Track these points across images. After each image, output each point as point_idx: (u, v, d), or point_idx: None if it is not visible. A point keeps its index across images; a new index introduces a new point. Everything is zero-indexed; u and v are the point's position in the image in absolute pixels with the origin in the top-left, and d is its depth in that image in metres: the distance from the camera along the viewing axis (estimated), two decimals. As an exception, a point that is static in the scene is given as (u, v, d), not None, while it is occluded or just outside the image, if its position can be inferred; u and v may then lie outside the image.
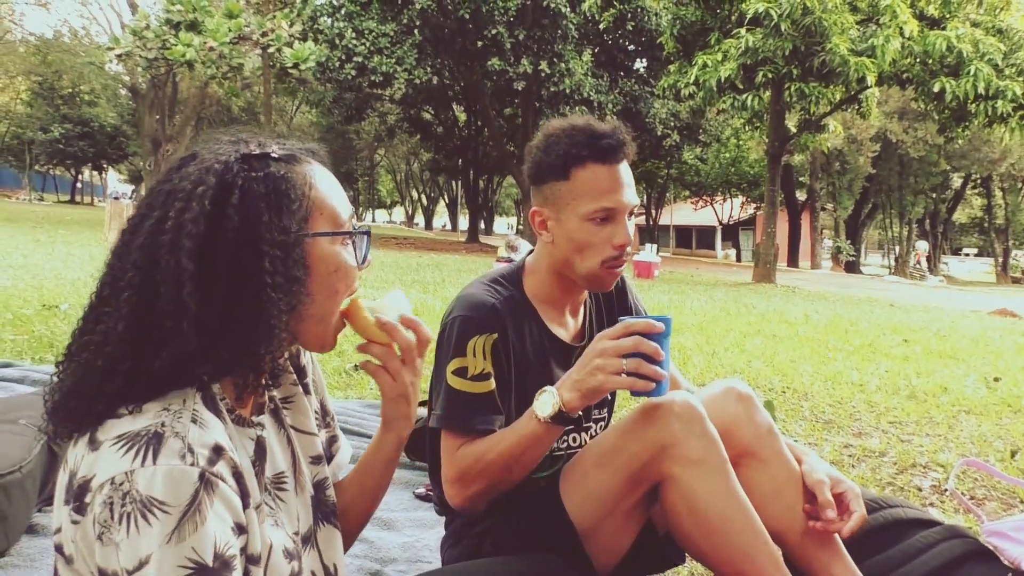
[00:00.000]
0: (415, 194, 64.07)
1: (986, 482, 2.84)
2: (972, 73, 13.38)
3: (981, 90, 13.43)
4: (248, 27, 17.53)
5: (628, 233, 1.56)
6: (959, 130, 15.65)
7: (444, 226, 64.53)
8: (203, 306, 0.88)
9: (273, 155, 0.99)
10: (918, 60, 14.05)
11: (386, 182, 66.37)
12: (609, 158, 1.53)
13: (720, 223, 43.29)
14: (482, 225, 37.50)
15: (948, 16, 14.44)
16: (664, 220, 44.44)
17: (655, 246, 18.16)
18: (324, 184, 1.02)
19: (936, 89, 13.77)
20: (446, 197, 58.64)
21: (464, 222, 44.19)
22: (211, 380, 0.93)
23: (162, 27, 17.53)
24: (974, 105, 14.02)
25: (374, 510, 1.27)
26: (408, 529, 2.09)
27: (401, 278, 10.72)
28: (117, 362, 0.87)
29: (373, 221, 65.11)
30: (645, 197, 40.57)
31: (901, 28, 13.30)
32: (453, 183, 49.50)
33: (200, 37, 17.09)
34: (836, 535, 1.65)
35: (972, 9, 14.58)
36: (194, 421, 0.87)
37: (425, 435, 1.67)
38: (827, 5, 13.00)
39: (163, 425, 0.84)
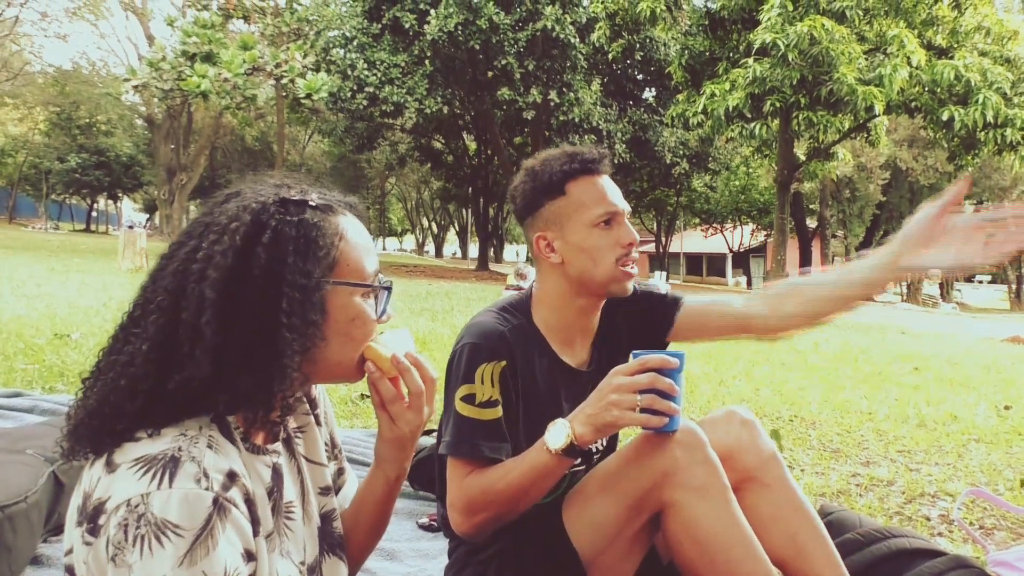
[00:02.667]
0: (425, 222, 64.41)
1: (995, 511, 2.82)
2: (980, 102, 13.45)
3: (990, 118, 13.48)
4: (262, 58, 17.81)
5: (632, 232, 1.62)
6: (968, 158, 15.66)
7: (454, 254, 64.75)
8: (219, 335, 0.90)
9: (311, 203, 1.02)
10: (926, 89, 14.13)
11: (397, 210, 66.75)
12: (597, 169, 1.63)
13: (730, 250, 43.25)
14: (492, 253, 37.59)
15: (956, 46, 14.54)
16: (674, 248, 44.45)
17: (665, 273, 18.18)
18: (355, 237, 1.05)
19: (945, 117, 13.83)
20: (456, 225, 58.90)
21: (474, 250, 44.31)
22: (226, 411, 0.96)
23: (178, 58, 17.83)
24: (983, 133, 14.06)
25: (373, 545, 1.27)
26: (411, 559, 2.09)
27: (410, 306, 10.75)
28: (139, 382, 0.90)
29: (384, 249, 65.39)
30: (655, 224, 40.60)
31: (909, 58, 13.40)
32: (463, 211, 49.72)
33: (215, 68, 17.37)
34: (840, 562, 1.65)
35: (980, 39, 14.68)
36: (210, 447, 0.89)
37: (433, 463, 1.69)
38: (834, 35, 13.11)
39: (180, 449, 0.86)
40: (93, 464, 0.89)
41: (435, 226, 62.70)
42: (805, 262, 35.13)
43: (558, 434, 1.44)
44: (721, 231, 41.23)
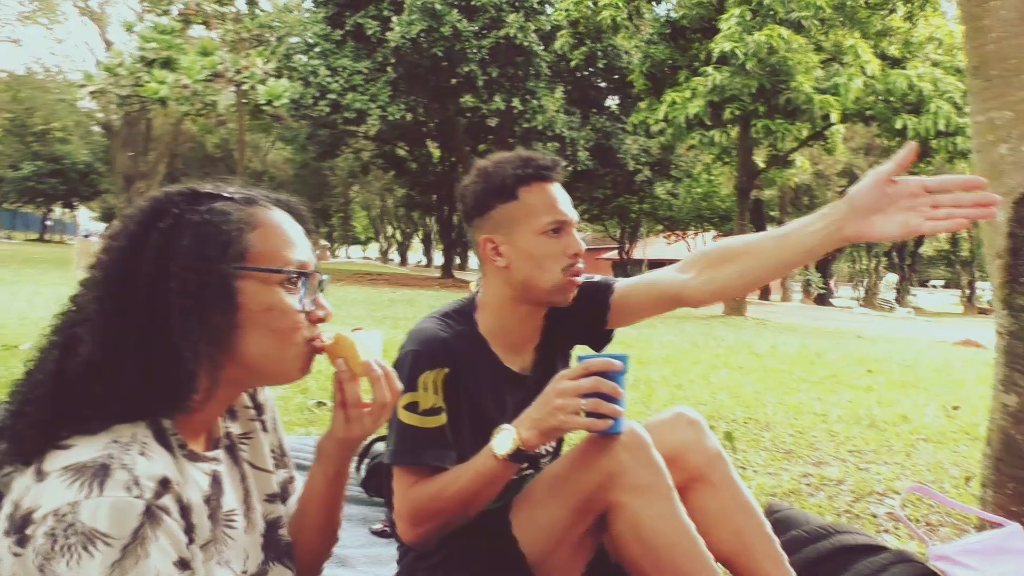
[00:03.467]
0: (390, 230, 64.11)
1: (940, 509, 2.89)
2: (933, 111, 13.78)
3: (942, 127, 13.82)
4: (222, 64, 17.64)
5: (580, 243, 1.62)
6: (922, 165, 16.05)
7: (419, 262, 64.48)
8: (106, 315, 0.90)
9: (224, 195, 1.00)
10: (881, 98, 14.43)
11: (361, 218, 66.32)
12: (550, 176, 1.62)
13: (693, 257, 43.61)
14: (457, 260, 37.54)
15: (909, 56, 14.94)
16: (638, 255, 44.74)
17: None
18: (274, 227, 1.02)
19: (899, 126, 14.14)
20: (421, 233, 58.77)
21: (439, 258, 44.23)
22: (157, 413, 0.94)
23: (136, 64, 17.60)
24: (935, 142, 14.41)
25: (327, 550, 1.24)
26: (364, 566, 2.09)
27: (372, 313, 10.70)
28: (66, 386, 0.89)
29: (348, 258, 64.98)
30: (619, 231, 40.86)
31: (864, 67, 13.72)
32: (428, 219, 49.63)
33: (174, 74, 17.16)
34: (784, 559, 1.69)
35: (932, 49, 15.08)
36: (143, 453, 0.87)
37: (384, 469, 1.68)
38: (792, 45, 13.37)
39: (111, 456, 0.84)
40: (24, 473, 0.87)
41: (400, 234, 62.47)
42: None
43: (504, 440, 1.45)
44: (684, 238, 41.61)
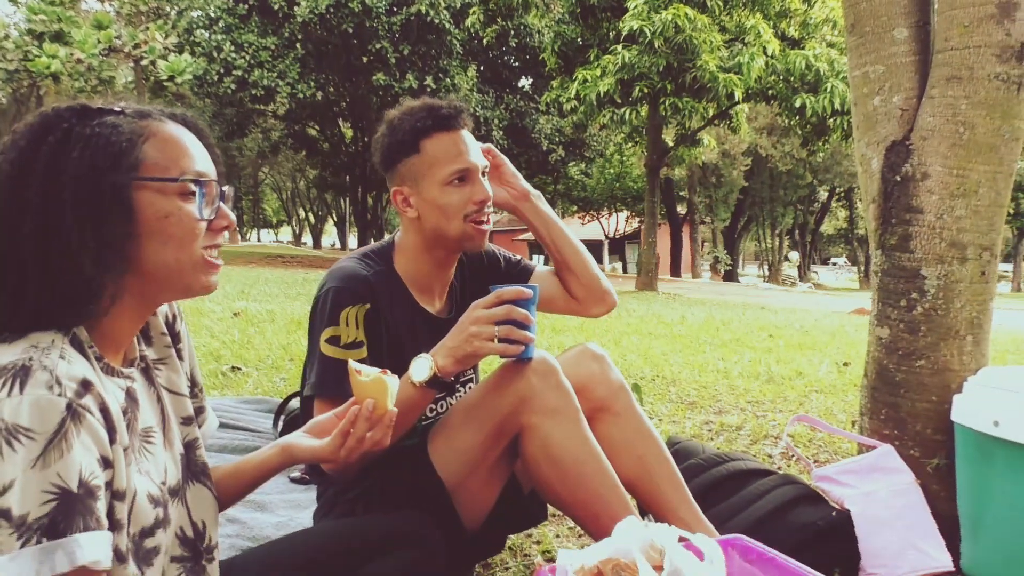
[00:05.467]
0: (302, 212, 62.62)
1: (828, 447, 3.12)
2: (829, 90, 14.40)
3: (837, 105, 14.45)
4: (119, 38, 16.92)
5: (486, 189, 1.68)
6: (820, 144, 16.75)
7: (333, 245, 63.29)
8: (7, 233, 0.93)
9: (116, 109, 1.02)
10: (781, 78, 14.99)
11: (272, 201, 64.52)
12: (451, 125, 1.66)
13: (607, 237, 44.43)
14: (372, 243, 37.06)
15: (807, 37, 15.53)
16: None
17: (543, 258, 18.53)
18: (169, 136, 1.03)
19: (797, 105, 14.73)
20: (335, 215, 57.62)
21: (354, 240, 43.54)
22: (67, 322, 0.96)
23: (24, 37, 16.65)
24: (832, 120, 15.08)
25: (239, 498, 1.33)
26: (282, 510, 2.13)
27: (286, 291, 10.54)
28: None
29: (259, 241, 63.15)
30: (534, 212, 41.11)
31: (764, 47, 14.21)
32: (341, 201, 48.72)
33: (66, 48, 16.35)
34: (683, 482, 1.82)
35: (828, 31, 15.71)
36: (62, 357, 0.89)
37: (298, 424, 1.73)
38: (696, 24, 13.73)
39: (31, 359, 0.87)
40: None
41: (312, 216, 61.07)
42: (676, 246, 36.61)
43: (421, 367, 1.52)
44: (597, 218, 42.28)
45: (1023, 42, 1.87)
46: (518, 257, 1.96)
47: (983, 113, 1.90)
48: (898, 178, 2.03)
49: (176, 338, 1.24)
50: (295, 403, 2.66)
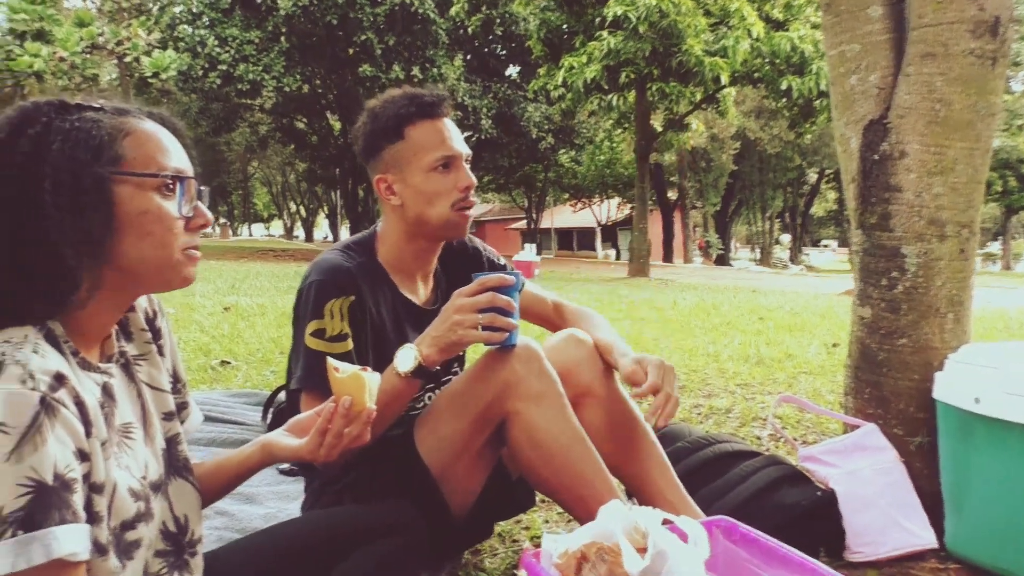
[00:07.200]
0: (293, 206, 62.45)
1: (815, 428, 3.14)
2: (815, 71, 14.42)
3: (824, 87, 14.46)
4: (101, 35, 16.77)
5: (470, 176, 1.69)
6: (807, 125, 16.78)
7: (325, 238, 63.07)
8: None
9: (95, 105, 1.02)
10: (767, 60, 14.99)
11: (262, 195, 64.29)
12: (435, 112, 1.68)
13: (599, 224, 44.46)
14: (364, 231, 36.96)
15: (791, 19, 15.50)
16: (545, 224, 45.16)
17: (535, 246, 18.57)
18: (147, 133, 1.04)
19: (784, 87, 14.74)
20: (326, 208, 57.45)
21: (346, 233, 43.48)
22: (43, 314, 0.96)
23: (5, 36, 16.50)
24: (818, 102, 15.11)
25: (221, 495, 1.34)
26: (271, 501, 2.13)
27: (276, 285, 10.52)
28: None
29: (250, 235, 62.98)
30: (526, 201, 41.17)
31: (749, 30, 14.21)
32: (332, 193, 48.57)
33: (48, 47, 16.21)
34: (669, 465, 1.82)
35: (812, 12, 15.70)
36: (35, 351, 0.90)
37: (286, 417, 1.73)
38: (681, 8, 13.72)
39: (3, 354, 0.87)
40: None
41: (303, 210, 60.91)
42: (667, 232, 36.67)
43: (406, 357, 1.52)
44: (589, 205, 42.28)
45: (996, 16, 1.88)
46: (503, 262, 1.97)
47: (959, 89, 1.91)
48: (876, 157, 2.04)
49: (157, 334, 1.24)
50: (284, 396, 2.66)
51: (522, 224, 42.37)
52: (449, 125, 1.70)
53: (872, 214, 2.07)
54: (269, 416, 2.63)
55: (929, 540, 1.92)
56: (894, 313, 2.05)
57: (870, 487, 1.95)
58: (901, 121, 1.98)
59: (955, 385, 1.85)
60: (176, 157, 1.06)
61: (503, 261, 1.98)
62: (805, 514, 1.91)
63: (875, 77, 2.04)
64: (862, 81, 2.05)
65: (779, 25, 15.47)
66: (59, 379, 0.89)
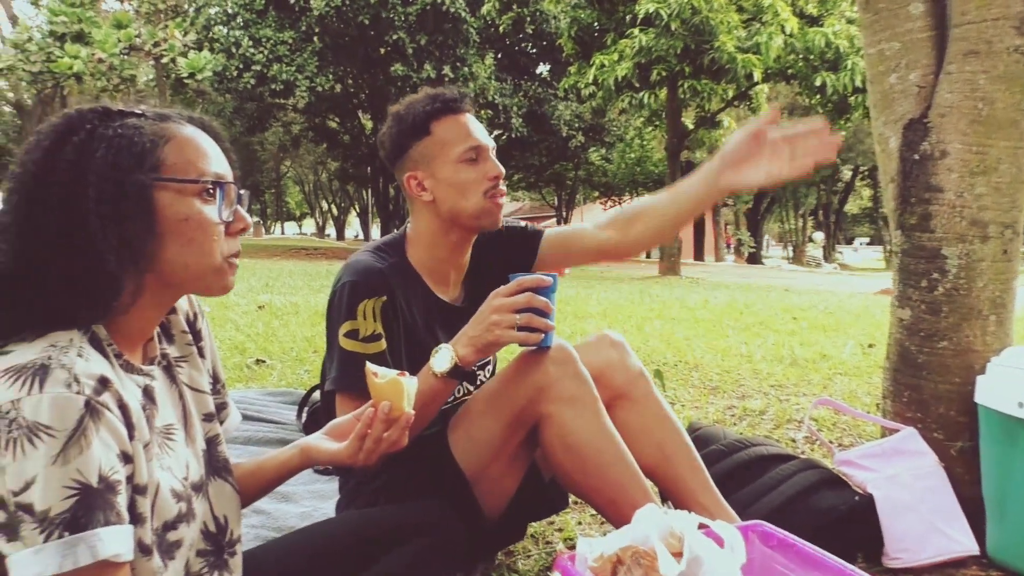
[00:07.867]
0: (325, 204, 62.94)
1: (852, 431, 3.10)
2: (849, 67, 14.19)
3: (859, 83, 14.22)
4: (139, 37, 17.03)
5: (498, 166, 1.71)
6: (842, 122, 16.50)
7: (356, 236, 63.51)
8: (24, 224, 0.94)
9: (137, 112, 1.04)
10: (800, 56, 14.78)
11: (294, 194, 64.92)
12: (458, 108, 1.71)
13: (629, 222, 44.12)
14: (395, 232, 37.15)
15: (825, 14, 15.29)
16: (576, 221, 45.03)
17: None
18: (188, 139, 1.05)
19: (818, 83, 14.52)
20: (357, 206, 57.82)
21: (377, 231, 43.70)
22: (87, 319, 0.97)
23: (46, 39, 16.83)
24: (853, 98, 14.86)
25: (259, 496, 1.35)
26: (307, 500, 2.16)
27: (309, 284, 10.62)
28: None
29: (282, 234, 63.62)
30: (556, 199, 41.09)
31: (783, 26, 14.03)
32: (363, 192, 48.87)
33: (88, 48, 16.51)
34: (703, 468, 1.81)
35: (847, 7, 15.46)
36: (80, 355, 0.91)
37: (327, 415, 1.75)
38: (713, 5, 13.59)
39: (49, 358, 0.88)
40: None
41: (335, 208, 61.34)
42: (699, 230, 36.37)
43: (443, 358, 1.53)
44: (619, 203, 42.07)
45: (1043, 14, 1.83)
46: (526, 225, 1.93)
47: (1002, 87, 1.87)
48: (916, 156, 2.00)
49: (197, 336, 1.25)
50: (319, 395, 2.68)
51: (552, 222, 42.35)
52: (472, 120, 1.72)
53: (912, 215, 2.04)
54: (304, 415, 2.65)
55: (970, 547, 1.88)
56: (934, 315, 2.01)
57: (909, 492, 1.91)
58: (942, 120, 1.95)
59: (998, 389, 1.81)
60: (216, 162, 1.07)
61: (522, 224, 1.92)
62: (842, 519, 1.88)
63: (915, 75, 2.00)
64: (902, 80, 2.02)
65: (813, 20, 15.26)
66: (103, 383, 0.90)
